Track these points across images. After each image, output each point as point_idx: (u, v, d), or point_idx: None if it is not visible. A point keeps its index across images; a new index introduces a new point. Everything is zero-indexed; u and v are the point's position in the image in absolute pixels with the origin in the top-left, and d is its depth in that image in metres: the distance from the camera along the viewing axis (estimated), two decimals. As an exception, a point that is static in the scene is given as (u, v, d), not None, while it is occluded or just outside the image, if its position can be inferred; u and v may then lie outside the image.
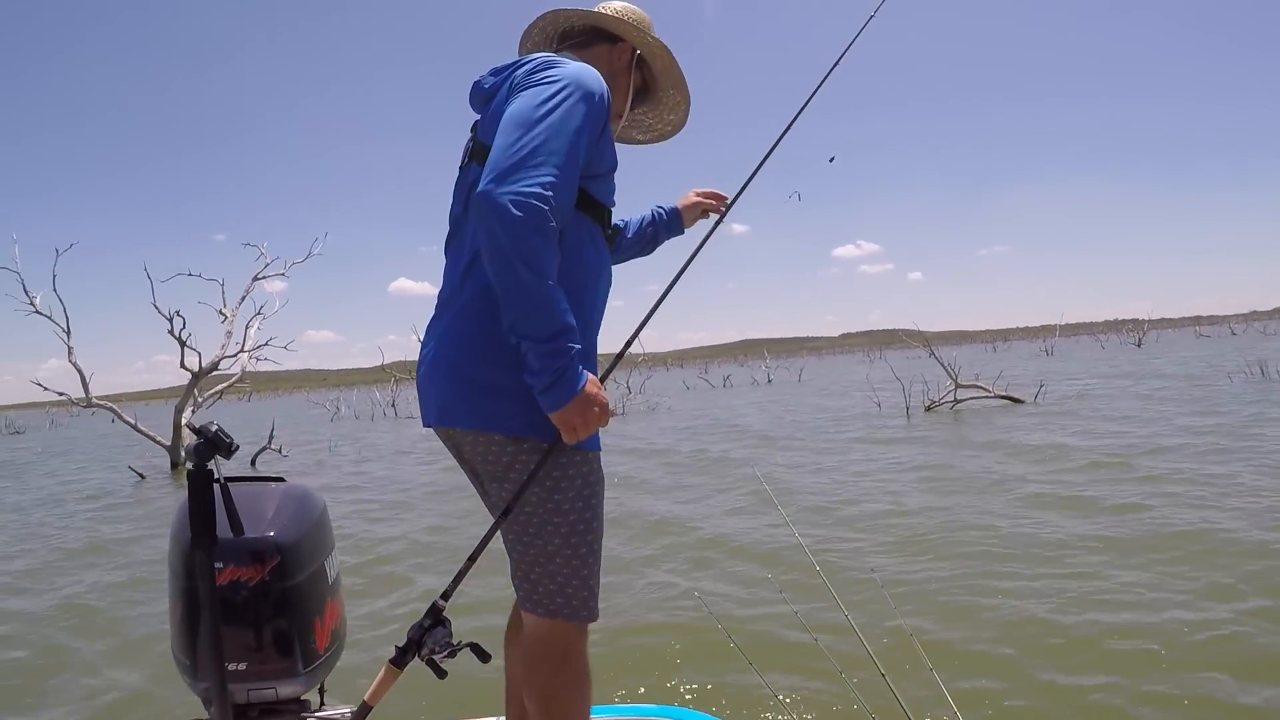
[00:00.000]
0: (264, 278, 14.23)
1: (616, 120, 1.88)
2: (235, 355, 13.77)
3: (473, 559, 1.62)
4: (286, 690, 1.80)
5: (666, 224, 2.14)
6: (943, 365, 14.82)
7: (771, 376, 35.06)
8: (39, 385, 12.45)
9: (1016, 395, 13.74)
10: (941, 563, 4.30)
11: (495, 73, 1.69)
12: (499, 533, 1.63)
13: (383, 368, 32.83)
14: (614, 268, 1.89)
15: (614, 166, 1.70)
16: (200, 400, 13.43)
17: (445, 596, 1.60)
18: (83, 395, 12.66)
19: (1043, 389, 14.33)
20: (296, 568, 1.78)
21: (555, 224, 1.46)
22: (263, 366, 14.49)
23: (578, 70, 1.59)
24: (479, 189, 1.46)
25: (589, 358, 1.64)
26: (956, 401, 13.93)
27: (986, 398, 13.94)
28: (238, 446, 1.58)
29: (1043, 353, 40.25)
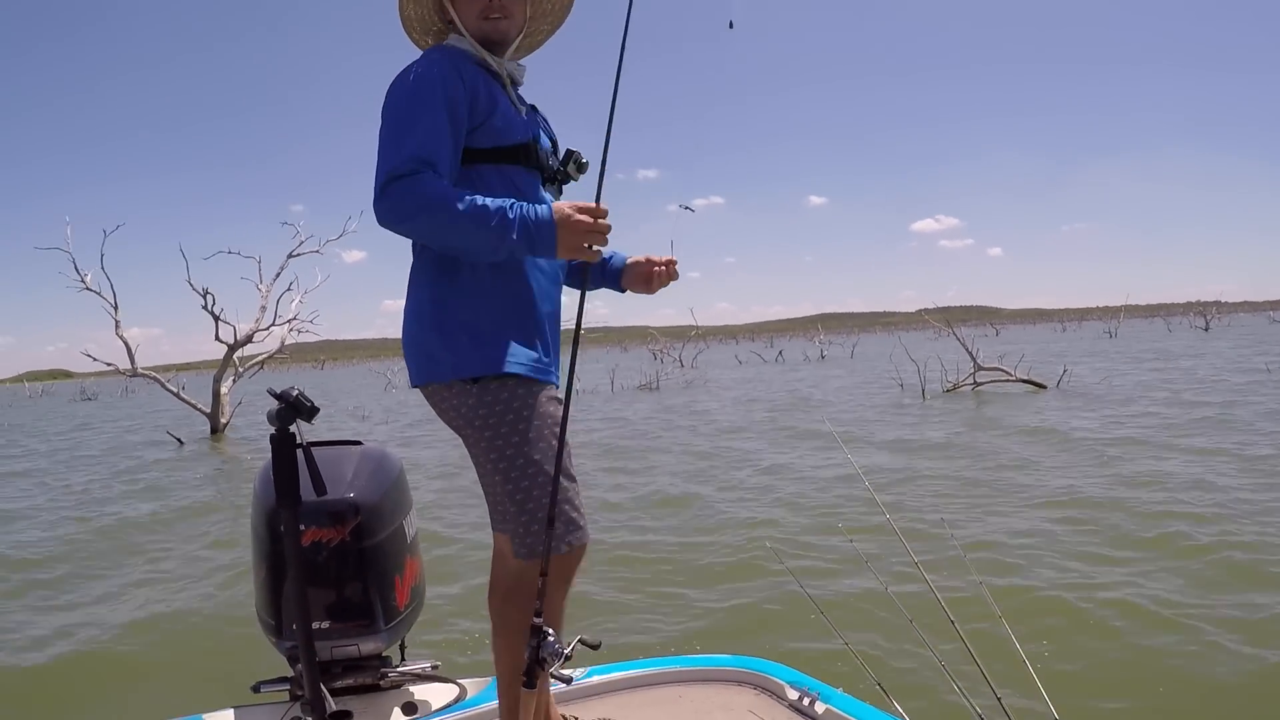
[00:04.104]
0: (299, 255, 14.61)
1: (518, 35, 1.81)
2: (268, 329, 14.22)
3: (543, 573, 1.55)
4: (368, 647, 1.83)
5: (601, 270, 1.95)
6: (964, 347, 14.86)
7: (825, 353, 35.55)
8: (89, 356, 13.10)
9: (1039, 380, 13.67)
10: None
11: None
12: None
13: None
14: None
15: (492, 110, 1.67)
16: (241, 370, 13.98)
17: (537, 614, 1.54)
18: (129, 366, 13.24)
19: (1066, 374, 14.22)
20: (377, 527, 1.80)
21: (424, 177, 1.52)
22: (304, 338, 14.95)
23: (408, 79, 1.64)
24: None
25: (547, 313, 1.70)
26: (977, 384, 13.98)
27: (1009, 381, 13.92)
28: (319, 409, 1.57)
29: (1106, 334, 39.84)
